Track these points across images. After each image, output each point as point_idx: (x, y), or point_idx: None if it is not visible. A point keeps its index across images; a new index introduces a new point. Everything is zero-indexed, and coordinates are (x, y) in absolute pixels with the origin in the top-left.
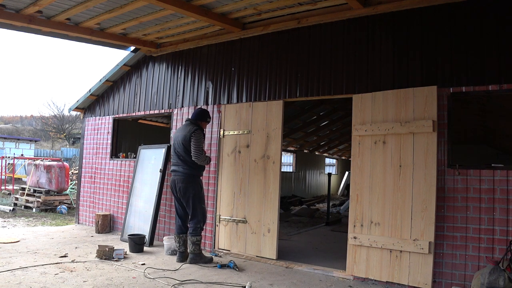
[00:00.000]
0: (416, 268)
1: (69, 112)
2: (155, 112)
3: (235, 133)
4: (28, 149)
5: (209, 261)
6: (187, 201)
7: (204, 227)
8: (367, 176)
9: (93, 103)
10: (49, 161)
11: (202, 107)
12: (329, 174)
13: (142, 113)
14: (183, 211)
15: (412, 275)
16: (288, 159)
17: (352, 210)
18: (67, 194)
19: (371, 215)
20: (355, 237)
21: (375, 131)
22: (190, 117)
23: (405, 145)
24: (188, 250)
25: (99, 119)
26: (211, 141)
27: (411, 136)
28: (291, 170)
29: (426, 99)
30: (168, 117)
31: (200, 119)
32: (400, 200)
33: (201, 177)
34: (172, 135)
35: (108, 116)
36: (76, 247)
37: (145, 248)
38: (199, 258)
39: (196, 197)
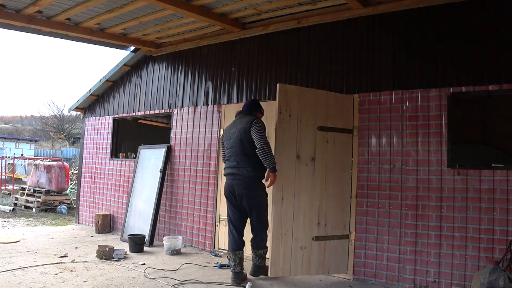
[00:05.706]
0: None
1: (69, 112)
2: (155, 112)
3: None
4: (28, 149)
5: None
6: (251, 211)
7: (204, 227)
8: None
9: (93, 103)
10: (49, 161)
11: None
12: None
13: (142, 113)
14: (240, 222)
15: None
16: None
17: None
18: (67, 194)
19: None
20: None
21: None
22: (241, 110)
23: None
24: (253, 263)
25: (99, 119)
26: (211, 141)
27: None
28: None
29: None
30: (168, 117)
31: (255, 109)
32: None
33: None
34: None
35: (108, 116)
36: (76, 247)
37: (145, 248)
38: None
39: (263, 205)
